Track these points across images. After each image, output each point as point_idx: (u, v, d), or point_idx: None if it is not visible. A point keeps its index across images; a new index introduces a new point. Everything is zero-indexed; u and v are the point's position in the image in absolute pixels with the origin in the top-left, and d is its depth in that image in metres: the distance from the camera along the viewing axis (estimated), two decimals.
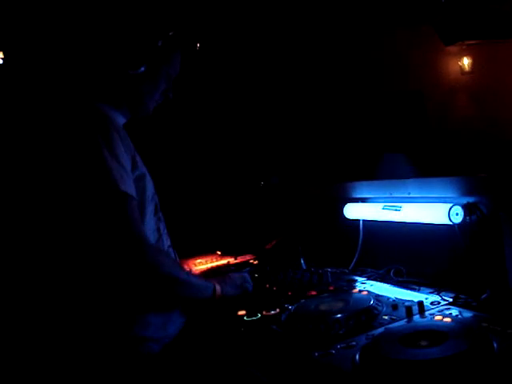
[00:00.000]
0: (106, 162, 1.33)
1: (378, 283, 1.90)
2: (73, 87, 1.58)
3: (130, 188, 1.36)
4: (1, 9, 2.96)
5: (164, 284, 1.43)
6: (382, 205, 2.04)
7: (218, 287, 1.61)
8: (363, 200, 2.19)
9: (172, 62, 1.60)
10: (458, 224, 1.67)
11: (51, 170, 1.38)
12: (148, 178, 1.52)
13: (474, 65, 5.03)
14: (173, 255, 1.63)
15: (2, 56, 3.20)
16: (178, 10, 1.60)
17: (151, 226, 1.52)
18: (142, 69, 1.52)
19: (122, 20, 1.52)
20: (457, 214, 1.67)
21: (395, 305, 1.58)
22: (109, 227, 1.32)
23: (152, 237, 1.51)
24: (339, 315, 1.49)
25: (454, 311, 1.47)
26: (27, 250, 1.47)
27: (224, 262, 2.41)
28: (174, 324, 1.54)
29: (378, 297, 1.68)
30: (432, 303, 1.57)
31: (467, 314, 1.43)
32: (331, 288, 1.90)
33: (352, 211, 2.22)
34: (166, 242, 1.60)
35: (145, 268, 1.34)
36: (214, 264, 2.39)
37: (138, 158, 1.49)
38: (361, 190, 2.22)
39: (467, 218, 1.66)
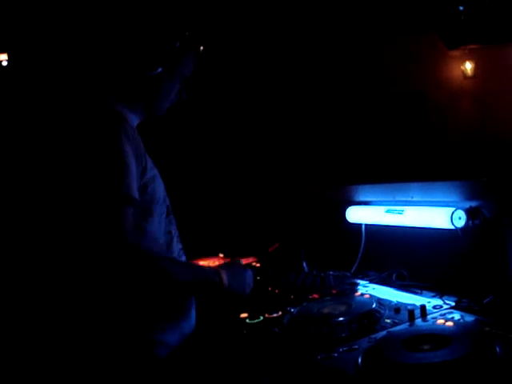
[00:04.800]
0: (110, 160, 1.31)
1: (380, 287, 1.90)
2: (88, 85, 1.58)
3: (132, 190, 1.34)
4: (12, 10, 2.98)
5: (153, 275, 1.34)
6: (384, 208, 2.04)
7: (224, 278, 1.48)
8: (366, 203, 2.19)
9: (186, 62, 1.60)
10: (461, 228, 1.67)
11: (55, 168, 1.37)
12: (159, 180, 1.51)
13: (476, 69, 5.03)
14: (184, 259, 1.61)
15: (7, 57, 3.22)
16: (191, 9, 1.60)
17: (162, 228, 1.50)
18: (159, 70, 1.51)
19: (140, 20, 1.51)
20: (459, 218, 1.68)
21: (397, 308, 1.58)
22: (96, 225, 1.28)
23: (163, 239, 1.50)
24: (342, 318, 1.50)
25: (457, 315, 1.47)
26: (32, 249, 1.47)
27: None
28: (189, 326, 1.54)
29: (380, 300, 1.68)
30: (434, 307, 1.58)
31: (469, 318, 1.43)
32: (333, 291, 1.90)
33: (354, 214, 2.23)
34: (178, 246, 1.58)
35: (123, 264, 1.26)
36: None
37: (148, 160, 1.48)
38: (363, 193, 2.22)
39: (470, 222, 1.67)
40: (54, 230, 1.40)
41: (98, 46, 1.62)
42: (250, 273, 1.63)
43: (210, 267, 1.55)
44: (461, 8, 3.87)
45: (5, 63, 3.21)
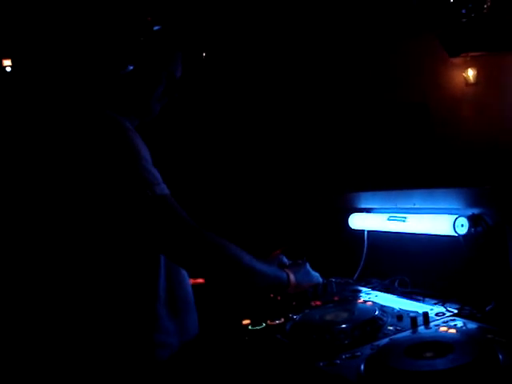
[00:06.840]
0: (140, 166, 1.33)
1: (383, 294, 1.90)
2: (81, 95, 1.57)
3: (165, 188, 1.38)
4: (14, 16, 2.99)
5: (229, 267, 1.45)
6: (387, 215, 2.04)
7: (291, 277, 1.68)
8: (368, 210, 2.20)
9: (169, 60, 1.58)
10: (463, 235, 1.67)
11: (83, 177, 1.35)
12: None
13: (478, 76, 5.04)
14: None
15: (11, 63, 3.23)
16: (162, 6, 1.59)
17: None
18: (130, 67, 1.49)
19: (102, 20, 1.51)
20: (462, 226, 1.68)
21: (400, 315, 1.58)
22: (161, 229, 1.34)
23: None
24: (344, 325, 1.50)
25: (459, 322, 1.47)
26: (49, 250, 1.46)
27: None
28: (191, 328, 1.54)
29: (382, 307, 1.68)
30: (437, 314, 1.58)
31: (472, 325, 1.43)
32: (336, 298, 1.90)
33: (357, 221, 2.23)
34: None
35: (206, 250, 1.37)
36: None
37: None
38: (366, 200, 2.22)
39: (472, 229, 1.66)
40: (80, 234, 1.39)
41: (70, 51, 1.63)
42: (308, 265, 1.85)
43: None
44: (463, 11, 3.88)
45: (8, 69, 3.22)
